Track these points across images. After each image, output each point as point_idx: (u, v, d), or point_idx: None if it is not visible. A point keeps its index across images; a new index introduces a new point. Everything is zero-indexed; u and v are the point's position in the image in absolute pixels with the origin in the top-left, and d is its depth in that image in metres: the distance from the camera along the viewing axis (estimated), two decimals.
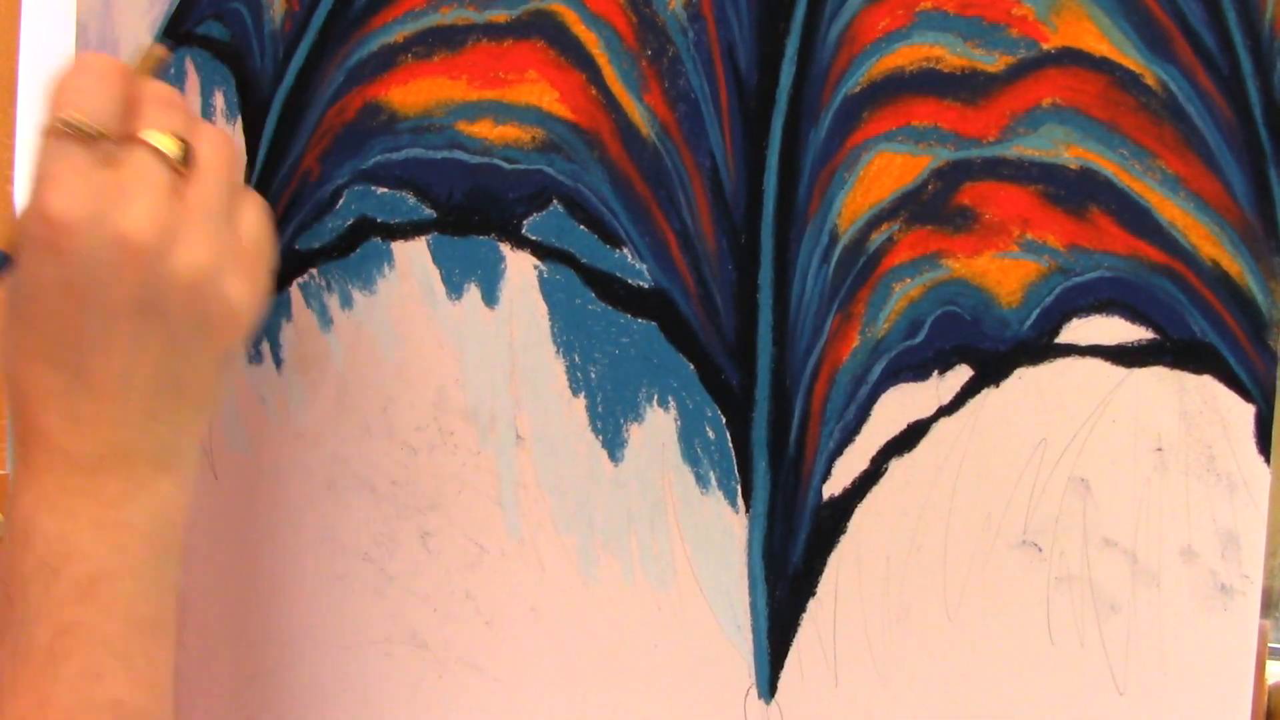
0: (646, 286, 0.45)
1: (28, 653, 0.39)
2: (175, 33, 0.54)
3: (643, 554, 0.46)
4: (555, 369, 0.46)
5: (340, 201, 0.50)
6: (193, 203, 0.41)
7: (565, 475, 0.47)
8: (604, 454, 0.46)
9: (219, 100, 0.53)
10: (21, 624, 0.39)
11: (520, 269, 0.47)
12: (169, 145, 0.41)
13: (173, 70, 0.54)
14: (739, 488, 0.44)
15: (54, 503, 0.40)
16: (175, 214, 0.40)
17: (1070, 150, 0.39)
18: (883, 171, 0.41)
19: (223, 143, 0.43)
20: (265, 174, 0.52)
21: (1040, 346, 0.40)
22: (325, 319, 0.51)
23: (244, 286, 0.42)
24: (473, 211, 0.47)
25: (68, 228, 0.38)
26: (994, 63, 0.40)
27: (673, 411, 0.45)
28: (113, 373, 0.40)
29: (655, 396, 0.45)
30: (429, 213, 0.48)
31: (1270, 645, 0.40)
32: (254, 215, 0.44)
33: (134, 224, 0.39)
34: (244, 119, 0.52)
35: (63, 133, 0.39)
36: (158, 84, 0.43)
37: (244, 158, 0.43)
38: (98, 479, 0.40)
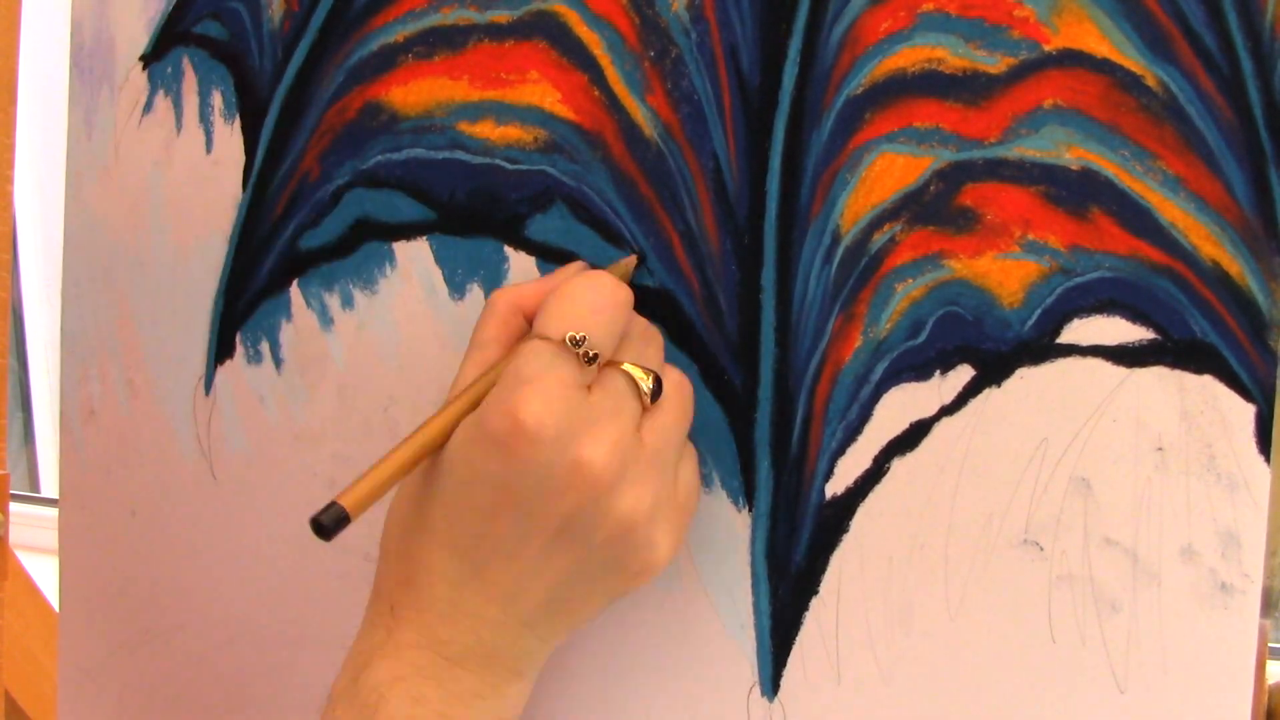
0: (650, 287, 0.45)
1: None
2: (172, 32, 0.54)
3: None
4: None
5: (341, 201, 0.50)
6: (649, 446, 0.41)
7: None
8: None
9: (217, 100, 0.53)
10: None
11: (523, 269, 0.47)
12: (645, 383, 0.41)
13: (169, 70, 0.54)
14: (742, 487, 0.44)
15: (410, 684, 0.40)
16: (633, 453, 0.40)
17: (1071, 151, 0.39)
18: (885, 172, 0.41)
19: (685, 390, 0.43)
20: (264, 174, 0.52)
21: (1041, 346, 0.40)
22: (326, 319, 0.51)
23: (670, 538, 0.41)
24: (475, 212, 0.47)
25: (535, 437, 0.38)
26: (995, 64, 0.40)
27: None
28: (510, 580, 0.40)
29: None
30: (430, 213, 0.48)
31: (1270, 645, 0.40)
32: (691, 468, 0.43)
33: (595, 454, 0.39)
34: (242, 119, 0.52)
35: (564, 347, 0.40)
36: (642, 319, 0.43)
37: (691, 408, 0.43)
38: (456, 673, 0.41)
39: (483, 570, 0.40)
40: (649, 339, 0.43)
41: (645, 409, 0.41)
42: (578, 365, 0.40)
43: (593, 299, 0.40)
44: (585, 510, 0.39)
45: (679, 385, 0.42)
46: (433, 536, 0.41)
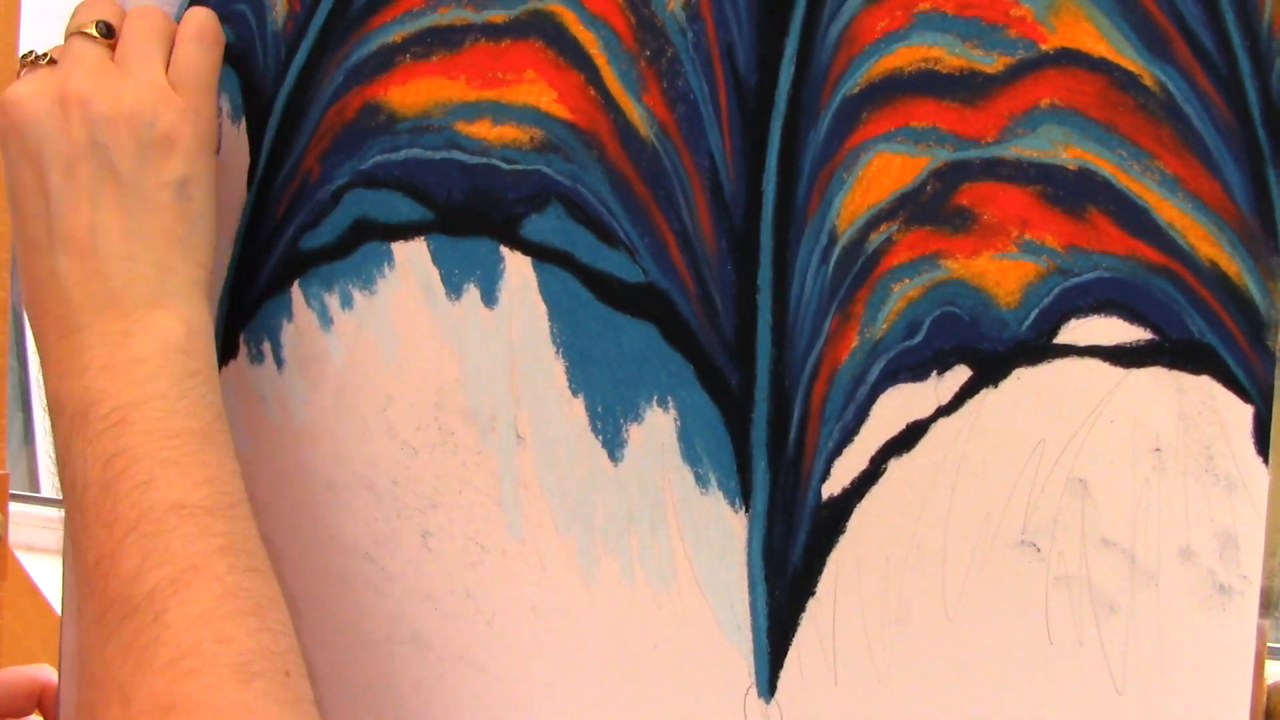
0: (645, 287, 0.45)
1: (85, 491, 0.43)
2: None
3: (643, 554, 0.46)
4: (555, 369, 0.46)
5: (340, 202, 0.50)
6: (117, 62, 0.48)
7: (565, 475, 0.47)
8: (604, 454, 0.46)
9: (224, 103, 0.53)
10: (74, 474, 0.43)
11: (519, 269, 0.47)
12: (88, 28, 0.48)
13: None
14: (739, 488, 0.44)
15: (66, 366, 0.45)
16: (106, 73, 0.47)
17: (1068, 151, 0.39)
18: (881, 172, 0.41)
19: (142, 12, 0.49)
20: (268, 174, 0.52)
21: (1039, 347, 0.40)
22: (325, 319, 0.51)
23: (173, 116, 0.47)
24: (472, 212, 0.47)
25: (19, 102, 0.46)
26: (992, 63, 0.40)
27: (672, 412, 0.45)
28: (82, 228, 0.45)
29: (655, 397, 0.45)
30: (428, 213, 0.48)
31: (1270, 644, 0.40)
32: (186, 54, 0.49)
33: (70, 84, 0.46)
34: (248, 120, 0.52)
35: (19, 68, 0.49)
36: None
37: (169, 18, 0.50)
38: (95, 330, 0.45)
39: (61, 239, 0.45)
40: (91, 3, 0.49)
41: (107, 44, 0.48)
42: (33, 67, 0.48)
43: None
44: (87, 125, 0.46)
45: (136, 12, 0.49)
46: (25, 256, 0.46)
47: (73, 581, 0.43)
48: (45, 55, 0.48)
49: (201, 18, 0.49)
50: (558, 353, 0.46)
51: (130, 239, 0.46)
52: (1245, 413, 0.38)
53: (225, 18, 0.52)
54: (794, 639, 0.43)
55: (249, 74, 0.51)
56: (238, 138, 0.52)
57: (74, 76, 0.46)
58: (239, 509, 0.44)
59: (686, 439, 0.45)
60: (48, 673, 0.61)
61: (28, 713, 0.60)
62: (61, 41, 0.49)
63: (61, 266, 0.45)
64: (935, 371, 0.41)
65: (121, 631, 0.40)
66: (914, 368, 0.41)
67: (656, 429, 0.45)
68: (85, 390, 0.44)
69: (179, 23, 0.49)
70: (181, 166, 0.47)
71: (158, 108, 0.47)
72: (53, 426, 0.45)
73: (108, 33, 0.48)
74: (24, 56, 0.49)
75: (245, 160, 0.52)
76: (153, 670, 0.39)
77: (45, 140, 0.46)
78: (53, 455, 1.66)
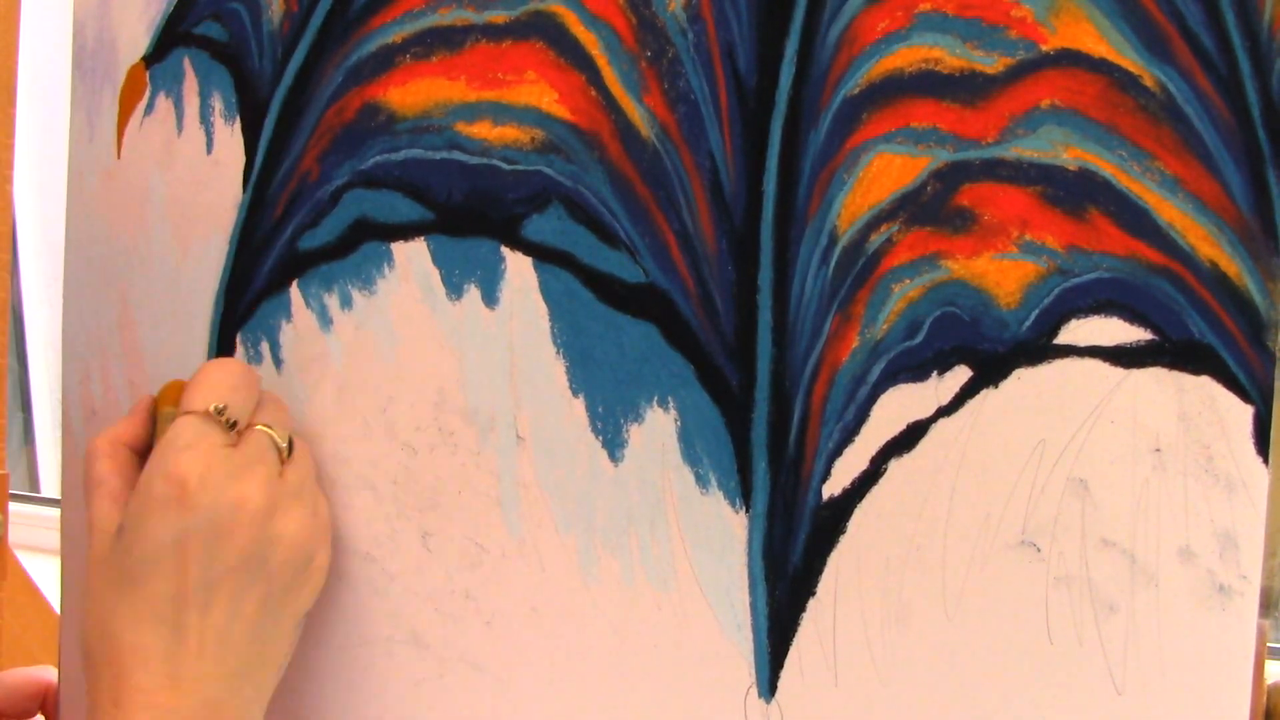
0: (646, 287, 0.45)
1: None
2: (172, 32, 0.54)
3: (643, 554, 0.46)
4: (555, 369, 0.46)
5: (340, 202, 0.50)
6: (291, 483, 0.48)
7: (565, 475, 0.47)
8: (604, 454, 0.46)
9: (217, 101, 0.53)
10: None
11: (520, 270, 0.47)
12: (281, 439, 0.48)
13: (170, 71, 0.54)
14: (739, 488, 0.44)
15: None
16: (281, 490, 0.47)
17: (1069, 151, 0.39)
18: (882, 173, 0.41)
19: (308, 448, 0.50)
20: (264, 174, 0.52)
21: (1039, 347, 0.40)
22: (325, 319, 0.51)
23: (325, 552, 0.49)
24: (472, 212, 0.47)
25: (198, 487, 0.45)
26: (993, 64, 0.40)
27: (672, 412, 0.45)
28: (212, 631, 0.45)
29: (655, 397, 0.45)
30: (428, 213, 0.48)
31: (1270, 645, 0.40)
32: (325, 504, 0.50)
33: (251, 490, 0.46)
34: (242, 119, 0.52)
35: (210, 416, 0.47)
36: (270, 393, 0.51)
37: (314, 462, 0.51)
38: None
39: (185, 631, 0.45)
40: (279, 408, 0.50)
41: (283, 460, 0.48)
42: (222, 430, 0.47)
43: (228, 377, 0.48)
44: (255, 540, 0.45)
45: (305, 444, 0.50)
46: (132, 621, 0.45)
47: None
48: (237, 423, 0.47)
49: (310, 451, 0.50)
50: (558, 353, 0.46)
51: (251, 659, 0.46)
52: (1245, 413, 0.38)
53: (218, 16, 0.52)
54: (794, 639, 0.43)
55: (243, 73, 0.51)
56: (231, 137, 0.52)
57: (255, 483, 0.46)
58: None
59: (687, 439, 0.45)
60: (50, 674, 0.61)
61: (31, 714, 0.60)
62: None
63: (179, 659, 0.44)
64: (935, 372, 0.41)
65: None
66: (914, 368, 0.41)
67: (657, 429, 0.45)
68: None
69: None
70: (311, 601, 0.48)
71: (317, 543, 0.48)
72: None
73: (289, 453, 0.48)
74: (221, 409, 0.47)
75: (240, 159, 0.52)
76: None
77: (209, 539, 0.45)
78: (55, 456, 1.65)
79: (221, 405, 0.47)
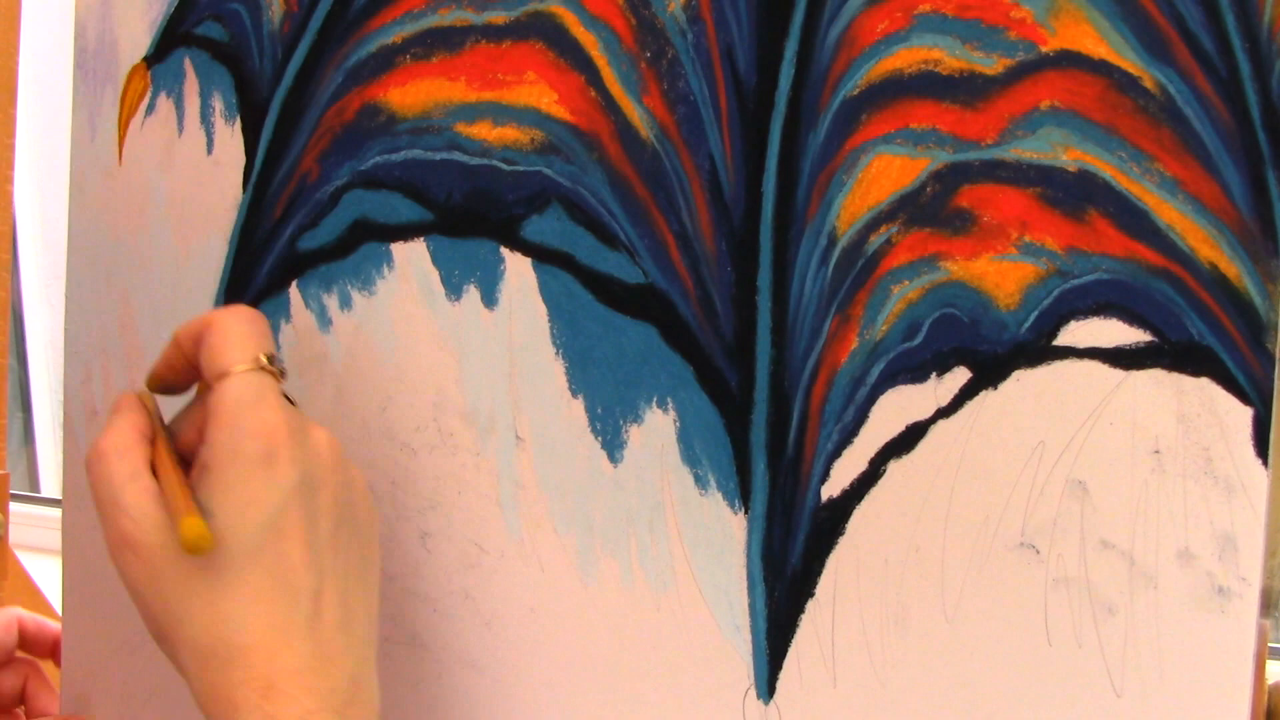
0: (645, 288, 0.45)
1: None
2: (173, 33, 0.54)
3: (642, 555, 0.46)
4: (554, 370, 0.46)
5: (339, 203, 0.50)
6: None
7: (564, 476, 0.47)
8: (603, 455, 0.46)
9: (217, 102, 0.53)
10: None
11: (519, 270, 0.47)
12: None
13: (171, 72, 0.54)
14: (738, 489, 0.44)
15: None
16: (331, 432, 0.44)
17: (1068, 153, 0.39)
18: (881, 174, 0.41)
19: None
20: (264, 175, 0.52)
21: (1038, 349, 0.40)
22: (324, 320, 0.51)
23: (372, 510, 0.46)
24: (472, 213, 0.47)
25: (287, 439, 0.41)
26: (992, 65, 0.40)
27: (672, 413, 0.45)
28: (337, 597, 0.41)
29: (654, 398, 0.45)
30: (428, 214, 0.48)
31: (1270, 644, 0.40)
32: None
33: (322, 435, 0.43)
34: (243, 120, 0.52)
35: (265, 368, 0.43)
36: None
37: None
38: (348, 715, 0.40)
39: (320, 601, 0.41)
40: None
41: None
42: (277, 379, 0.43)
43: (258, 324, 0.44)
44: (340, 485, 0.43)
45: None
46: (257, 604, 0.40)
47: None
48: (283, 370, 0.44)
49: None
50: (557, 354, 0.46)
51: (367, 619, 0.43)
52: (1245, 415, 0.38)
53: (218, 17, 0.52)
54: (793, 640, 0.43)
55: (243, 74, 0.51)
56: (232, 138, 0.52)
57: (319, 427, 0.43)
58: None
59: (686, 440, 0.45)
60: (17, 611, 0.60)
61: (10, 651, 0.59)
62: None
63: (320, 629, 0.40)
64: (935, 373, 0.41)
65: None
66: (913, 369, 0.41)
67: (656, 430, 0.45)
68: None
69: None
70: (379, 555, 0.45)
71: (369, 499, 0.45)
72: None
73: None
74: (273, 357, 0.43)
75: (240, 160, 0.52)
76: None
77: (313, 487, 0.41)
78: (55, 456, 1.65)
79: (269, 353, 0.43)
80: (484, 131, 0.47)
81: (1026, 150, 0.39)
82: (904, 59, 0.41)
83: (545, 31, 0.46)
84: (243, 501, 0.40)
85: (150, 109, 0.55)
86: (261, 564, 0.40)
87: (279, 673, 0.39)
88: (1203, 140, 0.38)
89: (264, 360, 0.42)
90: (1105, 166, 0.39)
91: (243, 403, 0.41)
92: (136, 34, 0.56)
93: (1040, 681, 0.40)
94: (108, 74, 0.56)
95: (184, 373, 0.46)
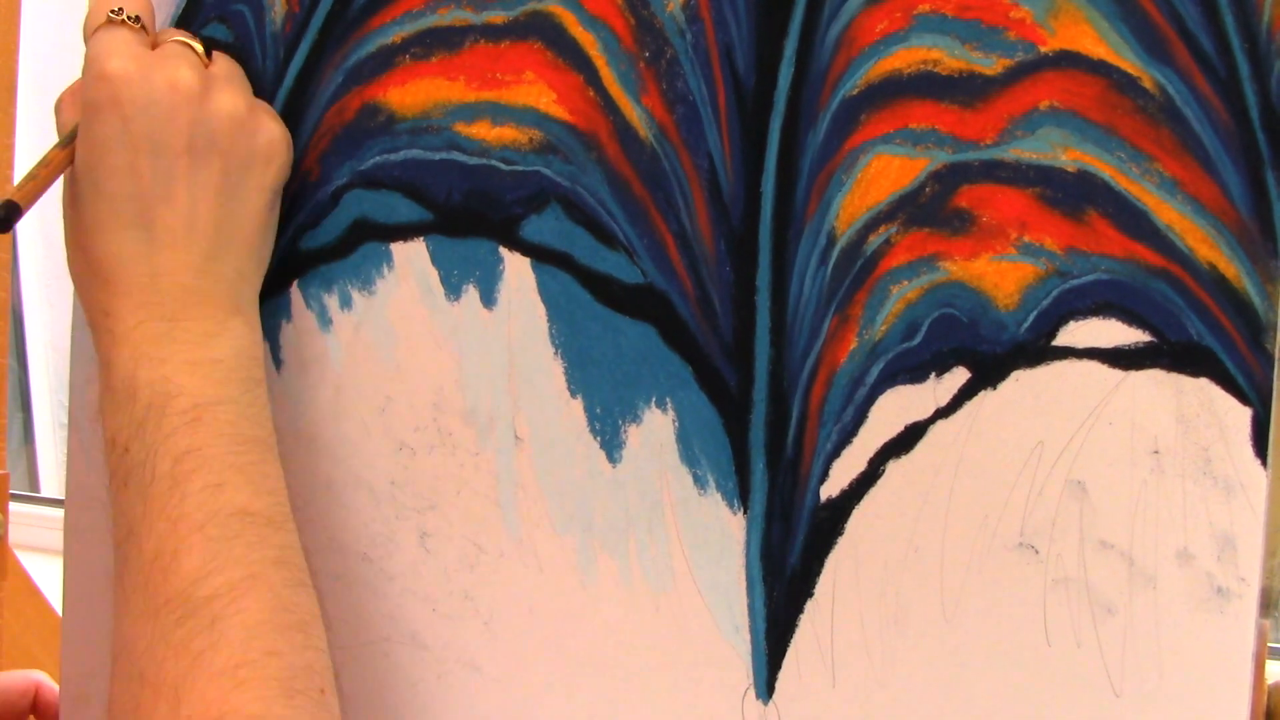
0: (644, 288, 0.45)
1: (151, 483, 0.43)
2: None
3: (641, 555, 0.46)
4: (553, 370, 0.46)
5: (340, 202, 0.50)
6: (221, 72, 0.48)
7: (564, 476, 0.47)
8: (602, 455, 0.46)
9: None
10: (142, 463, 0.43)
11: (518, 270, 0.47)
12: (197, 45, 0.48)
13: None
14: (737, 489, 0.44)
15: (148, 354, 0.44)
16: (208, 74, 0.47)
17: (1068, 153, 0.39)
18: (880, 174, 0.41)
19: (233, 61, 0.50)
20: None
21: (1037, 349, 0.40)
22: (324, 320, 0.51)
23: (277, 124, 0.49)
24: (471, 213, 0.47)
25: (126, 80, 0.45)
26: (992, 65, 0.40)
27: (671, 413, 0.45)
28: (178, 219, 0.45)
29: (653, 398, 0.45)
30: (427, 214, 0.48)
31: (1270, 644, 0.40)
32: (266, 107, 0.50)
33: (180, 75, 0.46)
34: None
35: (114, 20, 0.47)
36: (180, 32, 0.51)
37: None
38: (181, 324, 0.45)
39: (154, 226, 0.45)
40: (187, 34, 0.49)
41: (205, 63, 0.48)
42: (131, 30, 0.47)
43: None
44: (198, 120, 0.46)
45: (226, 57, 0.50)
46: (102, 226, 0.45)
47: (119, 570, 0.42)
48: (143, 23, 0.48)
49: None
50: (556, 354, 0.46)
51: (222, 241, 0.46)
52: (1244, 415, 0.38)
53: (223, 18, 0.52)
54: (792, 640, 0.43)
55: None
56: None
57: (182, 69, 0.46)
58: (291, 523, 0.45)
59: (685, 440, 0.45)
60: (40, 676, 0.61)
61: (22, 713, 0.60)
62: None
63: (155, 253, 0.45)
64: (934, 373, 0.41)
65: (177, 631, 0.40)
66: (912, 369, 0.41)
67: (655, 430, 0.45)
68: (165, 381, 0.44)
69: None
70: (277, 179, 0.48)
71: (264, 120, 0.48)
72: (113, 408, 0.45)
73: (207, 56, 0.49)
74: (122, 9, 0.47)
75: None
76: (206, 676, 0.39)
77: (152, 129, 0.45)
78: (55, 456, 1.65)
79: (117, 8, 0.47)
80: (483, 131, 0.47)
81: (1026, 150, 0.39)
82: (903, 59, 0.41)
83: (544, 31, 0.46)
84: (87, 141, 0.46)
85: None
86: (106, 198, 0.45)
87: (113, 294, 0.45)
88: (1202, 141, 0.38)
89: (117, 15, 0.47)
90: (1104, 167, 0.39)
91: (94, 56, 0.46)
92: None
93: (1039, 681, 0.40)
94: None
95: None
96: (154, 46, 0.48)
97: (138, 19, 0.47)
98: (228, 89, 0.47)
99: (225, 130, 0.46)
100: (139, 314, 0.45)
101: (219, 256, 0.46)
